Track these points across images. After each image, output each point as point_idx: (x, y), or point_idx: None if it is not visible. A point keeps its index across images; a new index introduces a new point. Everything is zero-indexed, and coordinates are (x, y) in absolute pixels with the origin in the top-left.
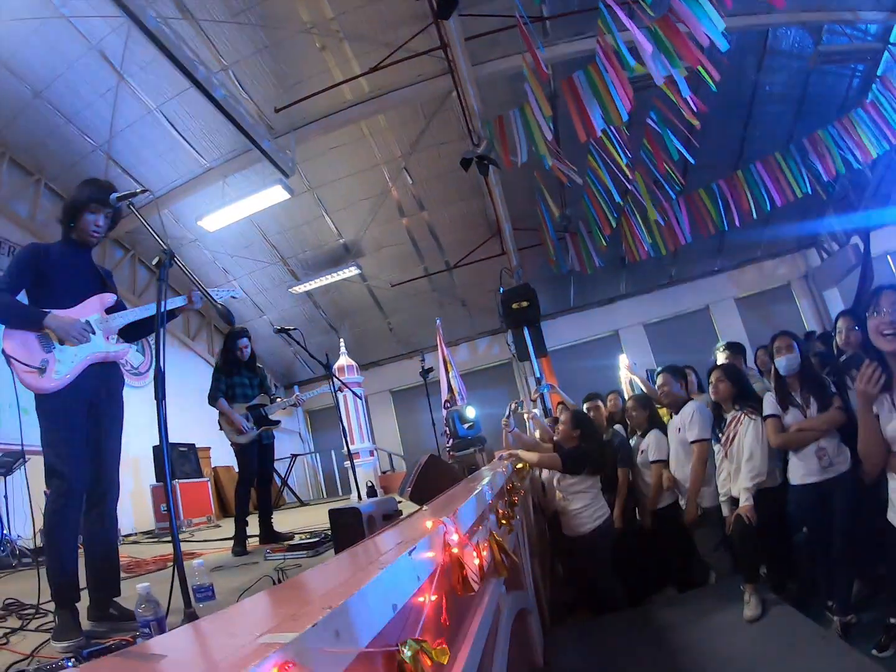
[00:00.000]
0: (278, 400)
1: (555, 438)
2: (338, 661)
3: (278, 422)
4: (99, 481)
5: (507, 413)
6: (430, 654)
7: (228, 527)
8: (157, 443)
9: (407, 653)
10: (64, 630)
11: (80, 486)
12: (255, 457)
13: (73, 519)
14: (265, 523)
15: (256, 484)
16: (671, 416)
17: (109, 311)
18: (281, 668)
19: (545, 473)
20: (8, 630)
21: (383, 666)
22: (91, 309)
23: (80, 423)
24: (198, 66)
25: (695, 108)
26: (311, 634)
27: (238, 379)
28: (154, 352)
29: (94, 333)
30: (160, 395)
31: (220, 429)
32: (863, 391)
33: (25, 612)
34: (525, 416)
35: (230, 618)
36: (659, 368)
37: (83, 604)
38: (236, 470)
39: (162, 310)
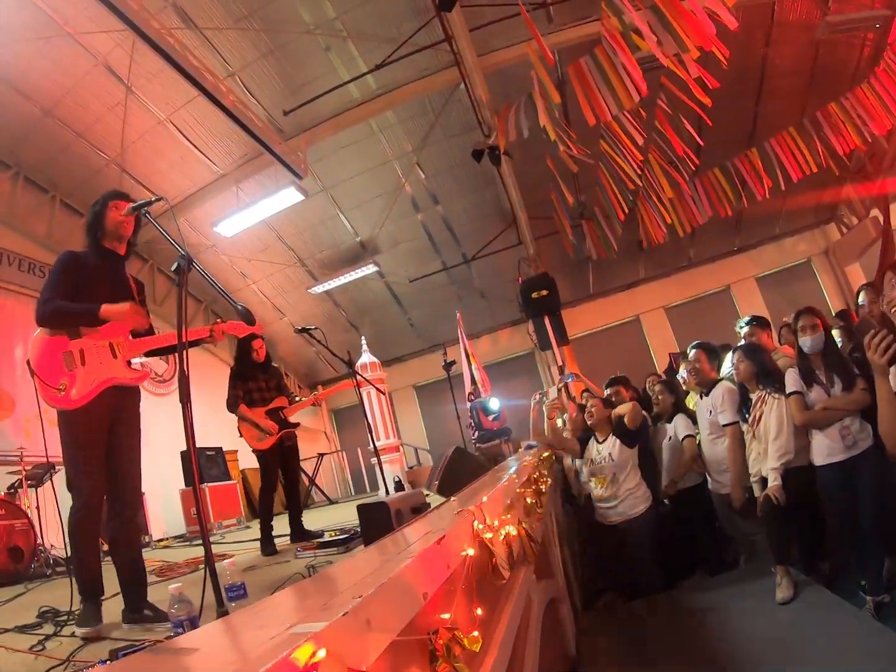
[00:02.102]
0: (297, 400)
1: (588, 423)
2: (369, 649)
3: (297, 424)
4: (119, 494)
5: (543, 401)
6: (461, 643)
7: (258, 528)
8: (185, 448)
9: (439, 641)
10: (85, 618)
11: (96, 500)
12: (278, 462)
13: (92, 528)
14: (295, 522)
15: (284, 485)
16: (700, 397)
17: (135, 334)
18: (312, 657)
19: (575, 461)
20: (43, 637)
21: (415, 654)
22: (117, 331)
23: (98, 440)
24: (204, 75)
25: (708, 85)
26: (341, 623)
27: (254, 383)
28: (178, 354)
29: (115, 357)
30: (185, 398)
31: (241, 436)
32: (872, 361)
33: (60, 619)
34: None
35: (260, 611)
36: (693, 344)
37: (118, 607)
38: None
39: (182, 314)
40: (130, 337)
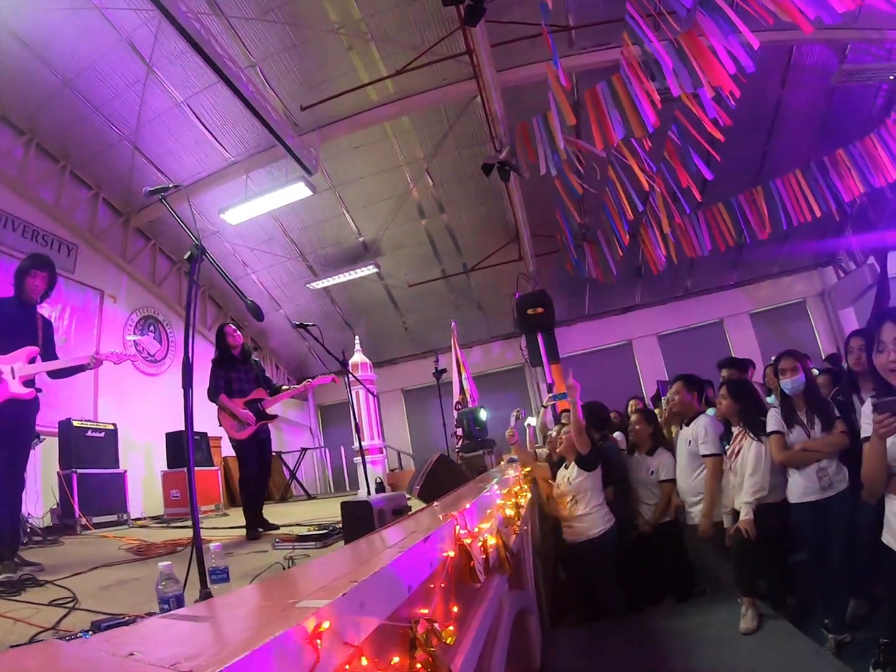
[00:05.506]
0: (283, 389)
1: (558, 451)
2: (361, 628)
3: (275, 416)
4: (12, 476)
5: (511, 423)
6: (438, 635)
7: (236, 515)
8: (170, 430)
9: (419, 630)
10: (7, 569)
11: None
12: (254, 451)
13: None
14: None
15: (256, 476)
16: (680, 427)
17: (33, 360)
18: (317, 628)
19: (554, 479)
20: (19, 599)
21: (397, 639)
22: (17, 358)
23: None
24: (226, 62)
25: (720, 122)
26: (340, 603)
27: (235, 374)
28: (185, 341)
29: (14, 378)
30: (188, 384)
31: (220, 425)
32: (876, 432)
33: (39, 587)
34: (525, 426)
35: (264, 589)
36: (675, 376)
37: None
38: None
39: (192, 311)
40: (26, 363)
